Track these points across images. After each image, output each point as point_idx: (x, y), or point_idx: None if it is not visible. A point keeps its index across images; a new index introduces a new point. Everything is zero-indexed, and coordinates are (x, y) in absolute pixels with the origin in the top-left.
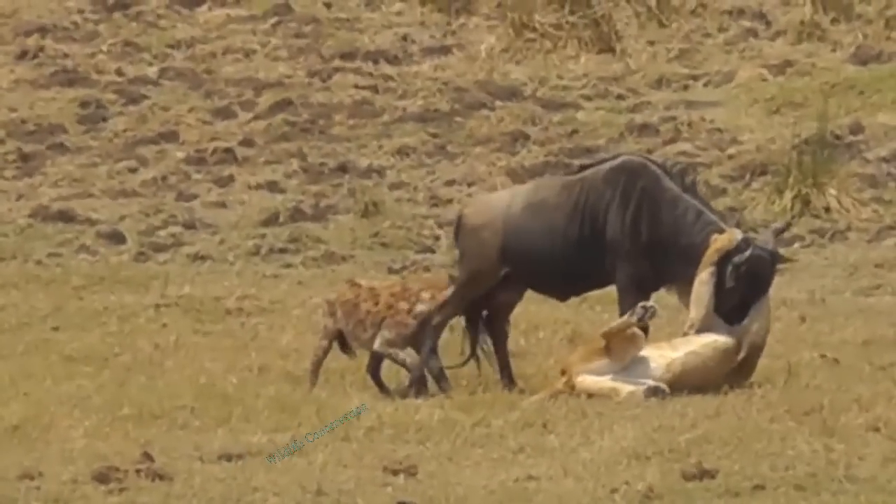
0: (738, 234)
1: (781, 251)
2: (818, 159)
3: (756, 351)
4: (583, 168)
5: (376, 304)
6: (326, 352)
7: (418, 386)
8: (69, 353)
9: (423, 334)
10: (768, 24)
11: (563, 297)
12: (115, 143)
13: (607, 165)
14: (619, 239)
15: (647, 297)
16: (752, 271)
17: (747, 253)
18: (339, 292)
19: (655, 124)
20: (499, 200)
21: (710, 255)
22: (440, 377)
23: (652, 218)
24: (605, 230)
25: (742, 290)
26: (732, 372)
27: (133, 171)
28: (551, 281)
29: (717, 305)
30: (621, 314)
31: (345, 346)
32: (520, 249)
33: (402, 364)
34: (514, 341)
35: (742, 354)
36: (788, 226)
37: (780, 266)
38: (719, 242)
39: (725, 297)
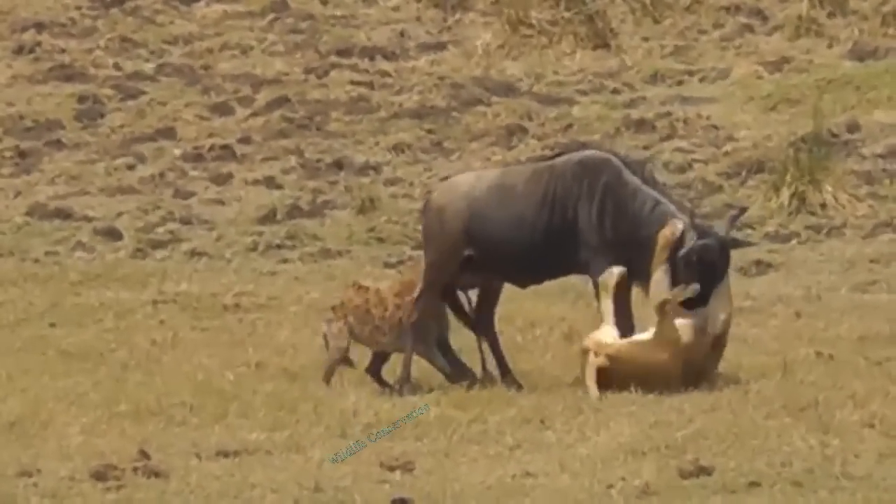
0: (679, 225)
1: (741, 237)
2: (814, 156)
3: (720, 339)
4: (552, 157)
5: (385, 309)
6: (346, 351)
7: (406, 382)
8: (66, 350)
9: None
10: (765, 19)
11: (523, 284)
12: (113, 140)
13: (575, 158)
14: (589, 234)
15: (624, 291)
16: (704, 260)
17: (693, 244)
18: (346, 297)
19: (651, 120)
20: (463, 182)
21: (659, 252)
22: (451, 366)
23: (615, 212)
24: (575, 223)
25: (698, 280)
26: (700, 359)
27: (130, 167)
28: (514, 267)
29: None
30: (600, 308)
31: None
32: (484, 233)
33: (437, 364)
34: (511, 338)
35: (708, 339)
36: (744, 211)
37: (732, 250)
38: (663, 238)
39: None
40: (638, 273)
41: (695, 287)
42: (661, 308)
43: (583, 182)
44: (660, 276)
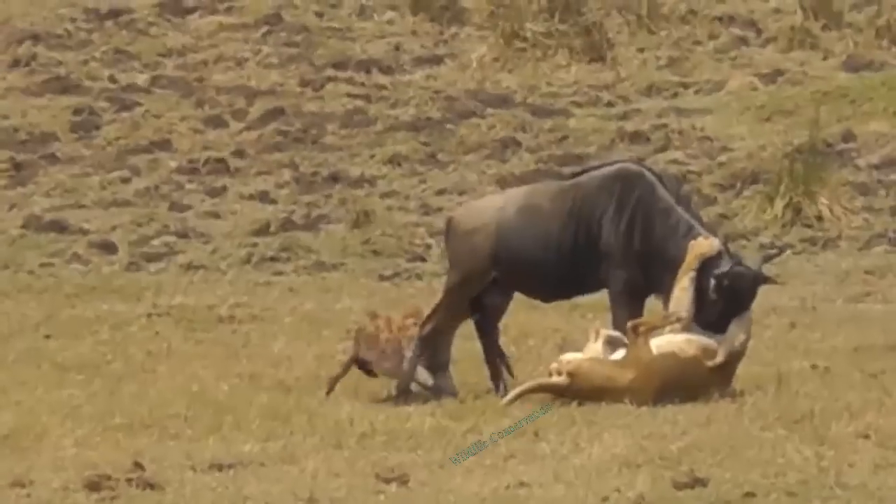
0: (716, 243)
1: (769, 273)
2: (809, 167)
3: (728, 366)
4: (578, 174)
5: (391, 331)
6: (345, 371)
7: (404, 396)
8: (61, 362)
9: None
10: (759, 31)
11: (549, 300)
12: (108, 152)
13: (603, 172)
14: (612, 246)
15: (639, 305)
16: (734, 286)
17: (729, 269)
18: (361, 325)
19: (646, 132)
20: (492, 204)
21: (691, 261)
22: (435, 388)
23: (645, 227)
24: (600, 237)
25: (722, 305)
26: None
27: (125, 180)
28: (541, 285)
29: (698, 315)
30: (614, 321)
31: (368, 371)
32: (512, 253)
33: (422, 384)
34: (505, 349)
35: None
36: (781, 252)
37: (762, 287)
38: (699, 248)
39: (706, 309)
40: (661, 288)
41: (682, 315)
42: (634, 329)
43: (613, 194)
44: (682, 290)
